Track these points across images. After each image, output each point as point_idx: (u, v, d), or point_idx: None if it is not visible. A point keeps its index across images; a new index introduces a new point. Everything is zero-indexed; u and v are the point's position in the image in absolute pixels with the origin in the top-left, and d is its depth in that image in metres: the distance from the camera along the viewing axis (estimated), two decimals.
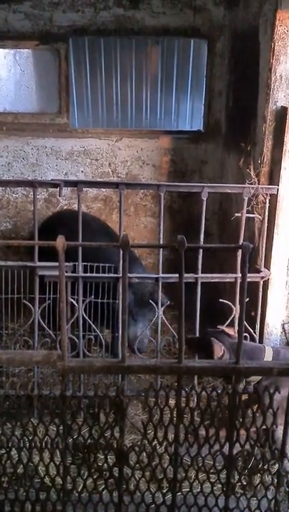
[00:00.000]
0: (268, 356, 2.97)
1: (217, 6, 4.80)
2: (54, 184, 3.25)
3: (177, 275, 3.17)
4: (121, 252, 1.93)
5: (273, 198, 3.40)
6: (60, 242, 1.91)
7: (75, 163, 5.24)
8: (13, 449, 2.16)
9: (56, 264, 3.10)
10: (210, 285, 3.55)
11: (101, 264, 3.32)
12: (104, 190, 5.24)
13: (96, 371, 2.05)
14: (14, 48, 5.15)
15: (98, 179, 5.17)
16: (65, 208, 5.28)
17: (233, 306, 3.33)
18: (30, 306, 3.23)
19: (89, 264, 3.29)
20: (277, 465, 2.18)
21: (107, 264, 3.33)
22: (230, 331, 3.09)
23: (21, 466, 2.18)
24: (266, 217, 3.40)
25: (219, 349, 2.92)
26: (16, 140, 5.17)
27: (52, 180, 3.61)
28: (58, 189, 3.26)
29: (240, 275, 3.30)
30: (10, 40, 5.00)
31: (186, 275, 3.17)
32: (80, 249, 3.18)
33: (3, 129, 5.14)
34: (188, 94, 5.40)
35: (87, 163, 5.24)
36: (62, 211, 5.12)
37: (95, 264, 3.31)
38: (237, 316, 3.33)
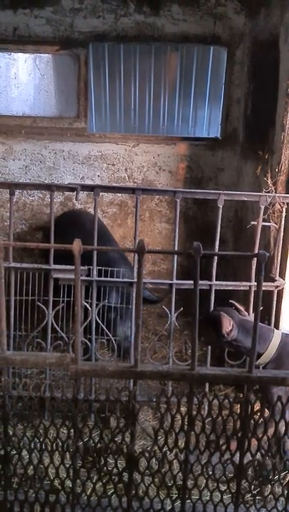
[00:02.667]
0: (276, 339, 2.94)
1: (238, 14, 4.82)
2: (71, 188, 3.27)
3: (191, 281, 3.18)
4: (136, 257, 1.93)
5: None
6: (77, 246, 1.91)
7: (92, 167, 5.27)
8: (24, 450, 2.17)
9: (71, 267, 3.14)
10: (223, 293, 3.53)
11: (116, 269, 3.34)
12: (119, 195, 5.26)
13: (109, 375, 2.05)
14: (35, 53, 5.21)
15: (114, 184, 5.20)
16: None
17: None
18: (44, 308, 3.25)
19: (103, 268, 3.31)
20: (287, 476, 2.16)
21: (121, 269, 3.35)
22: (241, 308, 3.08)
23: (31, 467, 2.19)
24: (282, 226, 3.39)
25: (228, 324, 2.87)
26: (34, 144, 5.22)
27: (69, 184, 3.63)
28: (74, 193, 3.29)
29: (254, 283, 3.29)
30: (31, 45, 5.07)
31: (200, 282, 3.17)
32: (95, 253, 3.19)
33: (21, 133, 5.20)
34: (206, 101, 5.41)
35: (104, 168, 5.27)
36: (67, 212, 5.13)
37: (110, 269, 3.33)
38: None
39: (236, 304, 3.11)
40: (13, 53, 5.25)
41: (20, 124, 5.24)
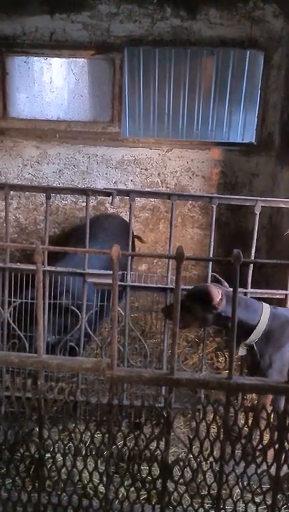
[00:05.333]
0: (266, 313, 2.87)
1: (276, 17, 4.76)
2: (107, 193, 3.27)
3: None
4: (169, 263, 1.91)
5: None
6: (115, 252, 1.91)
7: (125, 172, 5.28)
8: (58, 453, 2.17)
9: (105, 272, 3.14)
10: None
11: (152, 274, 3.32)
12: (152, 199, 5.26)
13: (144, 382, 2.03)
14: (70, 57, 5.26)
15: (147, 189, 5.19)
16: None
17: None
18: (78, 312, 3.26)
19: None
20: None
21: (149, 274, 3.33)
22: (222, 279, 3.01)
23: (64, 471, 2.18)
24: None
25: (217, 293, 2.77)
26: (68, 148, 5.26)
27: (105, 188, 3.63)
28: (106, 197, 3.29)
29: None
30: (67, 50, 5.13)
31: None
32: (130, 258, 3.18)
33: (56, 137, 5.25)
34: (241, 106, 5.36)
35: (137, 173, 5.28)
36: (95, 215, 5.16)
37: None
38: None
39: (217, 275, 3.04)
40: (48, 58, 5.31)
41: (54, 128, 5.30)
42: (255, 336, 2.84)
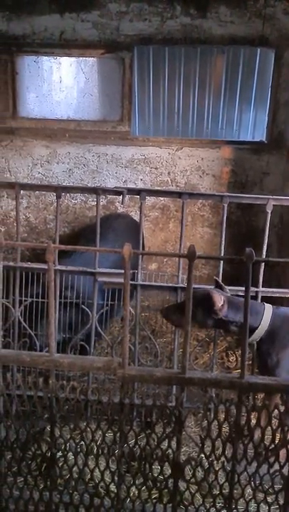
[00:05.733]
0: (268, 312, 2.87)
1: (287, 14, 4.72)
2: (117, 192, 3.27)
3: (236, 288, 3.13)
4: (181, 262, 1.90)
5: None
6: (127, 250, 1.91)
7: (135, 171, 5.27)
8: (70, 452, 2.18)
9: (116, 271, 3.14)
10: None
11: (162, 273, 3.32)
12: (162, 198, 5.25)
13: (156, 381, 2.03)
14: (80, 57, 5.26)
15: (157, 188, 5.18)
16: None
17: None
18: (88, 311, 3.26)
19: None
20: None
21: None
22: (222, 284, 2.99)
23: (75, 469, 2.19)
24: None
25: (219, 299, 2.77)
26: (77, 147, 5.27)
27: (115, 187, 3.63)
28: (116, 196, 3.28)
29: None
30: (76, 49, 5.13)
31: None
32: (140, 257, 3.18)
33: (65, 136, 5.26)
34: (251, 104, 5.32)
35: (147, 172, 5.27)
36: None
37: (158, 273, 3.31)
38: None
39: (218, 279, 3.02)
40: (58, 57, 5.31)
41: (64, 127, 5.30)
42: (256, 336, 2.86)
